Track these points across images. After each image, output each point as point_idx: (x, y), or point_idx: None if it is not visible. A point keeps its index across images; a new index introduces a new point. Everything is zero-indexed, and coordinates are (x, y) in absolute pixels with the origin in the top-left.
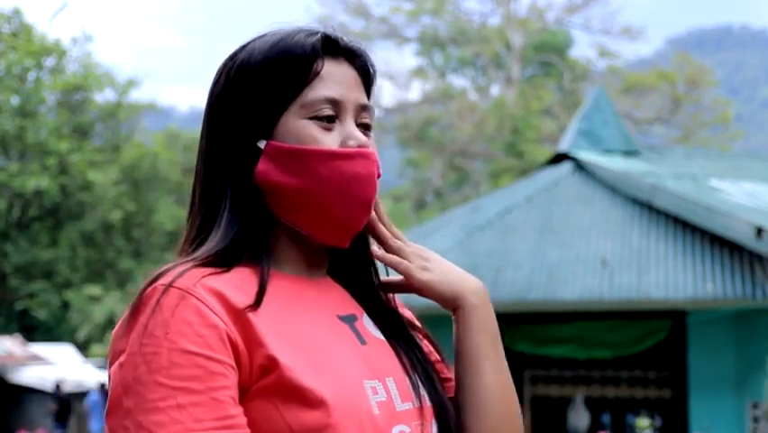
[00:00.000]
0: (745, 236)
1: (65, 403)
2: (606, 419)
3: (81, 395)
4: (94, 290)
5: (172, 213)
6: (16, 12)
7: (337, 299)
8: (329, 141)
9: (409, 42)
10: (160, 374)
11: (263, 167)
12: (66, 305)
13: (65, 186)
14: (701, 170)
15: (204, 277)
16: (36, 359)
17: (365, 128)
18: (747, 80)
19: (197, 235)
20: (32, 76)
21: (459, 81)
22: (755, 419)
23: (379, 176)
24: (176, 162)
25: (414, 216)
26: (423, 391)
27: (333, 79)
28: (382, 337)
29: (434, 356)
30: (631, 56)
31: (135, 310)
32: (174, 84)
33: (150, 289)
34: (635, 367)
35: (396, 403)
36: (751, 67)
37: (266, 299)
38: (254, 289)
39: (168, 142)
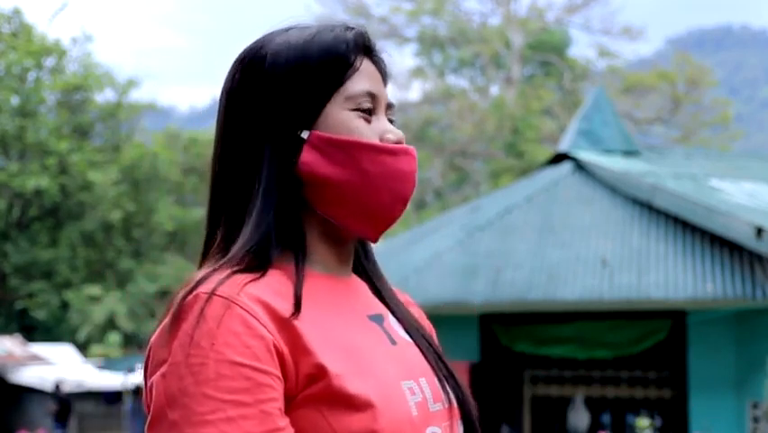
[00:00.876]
0: (744, 236)
1: (65, 403)
2: (606, 419)
3: (81, 395)
4: (94, 290)
5: (172, 213)
6: (16, 12)
7: (365, 299)
8: (371, 132)
9: (409, 42)
10: (207, 386)
11: (308, 158)
12: (66, 305)
13: (65, 186)
14: (701, 170)
15: (246, 284)
16: (36, 359)
17: (391, 123)
18: (747, 80)
19: (228, 234)
20: (32, 76)
21: (458, 81)
22: (755, 419)
23: None
24: (176, 162)
25: (414, 216)
26: (449, 391)
27: (369, 75)
28: (408, 338)
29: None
30: (631, 56)
31: (177, 319)
32: (174, 84)
33: (191, 297)
34: (635, 367)
35: (429, 404)
36: (751, 67)
37: (305, 303)
38: (290, 292)
39: (168, 142)
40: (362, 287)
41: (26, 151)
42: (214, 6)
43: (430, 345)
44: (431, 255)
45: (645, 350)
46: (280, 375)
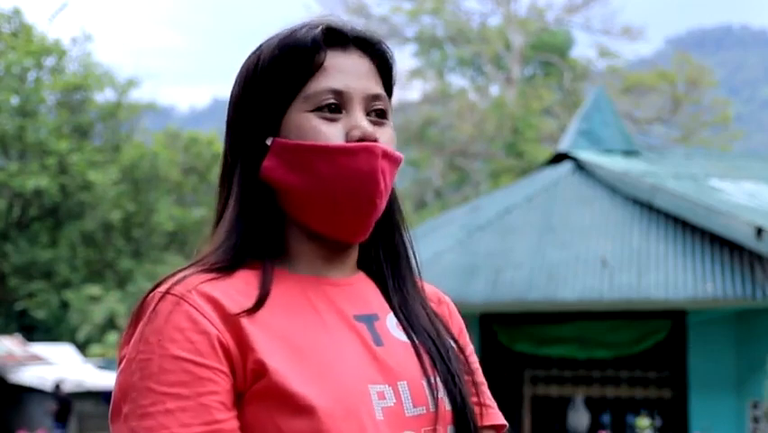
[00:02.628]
0: (744, 236)
1: (65, 403)
2: (606, 419)
3: (81, 395)
4: (93, 289)
5: (172, 213)
6: (16, 12)
7: (359, 298)
8: (333, 132)
9: (410, 42)
10: (151, 380)
11: (269, 164)
12: (65, 305)
13: (65, 186)
14: (701, 170)
15: (202, 283)
16: (36, 359)
17: (379, 116)
18: (747, 80)
19: (211, 235)
20: (31, 76)
21: (458, 81)
22: (755, 419)
23: (396, 159)
24: (175, 162)
25: (414, 216)
26: (442, 394)
27: (338, 70)
28: (404, 338)
29: (472, 360)
30: (631, 56)
31: (136, 317)
32: (174, 84)
33: (150, 296)
34: (635, 367)
35: (406, 408)
36: (751, 67)
37: (269, 302)
38: (255, 293)
39: (167, 141)
40: (364, 287)
41: (26, 150)
42: (214, 6)
43: (436, 345)
44: (431, 255)
45: (645, 350)
46: (226, 370)
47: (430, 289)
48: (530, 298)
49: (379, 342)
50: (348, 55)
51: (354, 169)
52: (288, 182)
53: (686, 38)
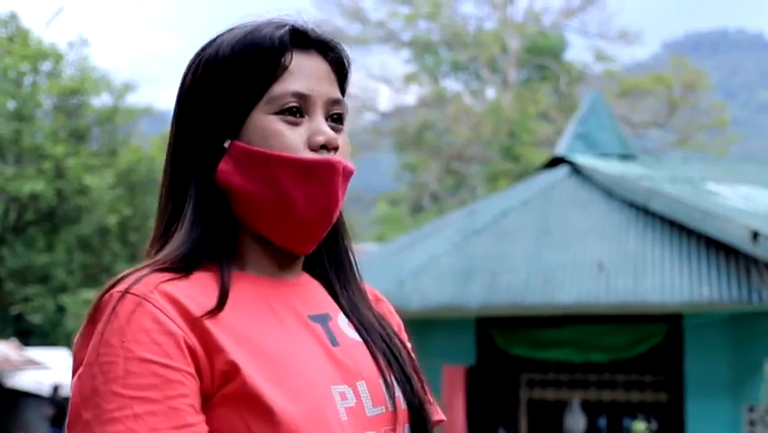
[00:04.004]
0: (740, 240)
1: (62, 408)
2: (602, 422)
3: None
4: (90, 294)
5: None
6: (13, 16)
7: (311, 299)
8: (295, 136)
9: (406, 47)
10: (116, 384)
11: (225, 167)
12: (62, 309)
13: (61, 190)
14: (698, 173)
15: (161, 283)
16: (32, 363)
17: (337, 121)
18: (744, 84)
19: (163, 236)
20: (28, 80)
21: (454, 85)
22: (751, 423)
23: (350, 172)
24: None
25: (411, 220)
26: (398, 394)
27: (302, 73)
28: (358, 338)
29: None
30: (627, 60)
31: (92, 319)
32: (171, 88)
33: (106, 296)
34: (631, 371)
35: (366, 408)
36: (747, 70)
37: (228, 304)
38: (214, 294)
39: (165, 146)
40: (312, 287)
41: (22, 155)
42: (212, 10)
43: (387, 344)
44: (427, 259)
45: (642, 354)
46: (193, 372)
47: (368, 288)
48: (527, 301)
49: (334, 342)
50: (310, 57)
51: (315, 183)
52: (244, 188)
53: (682, 41)
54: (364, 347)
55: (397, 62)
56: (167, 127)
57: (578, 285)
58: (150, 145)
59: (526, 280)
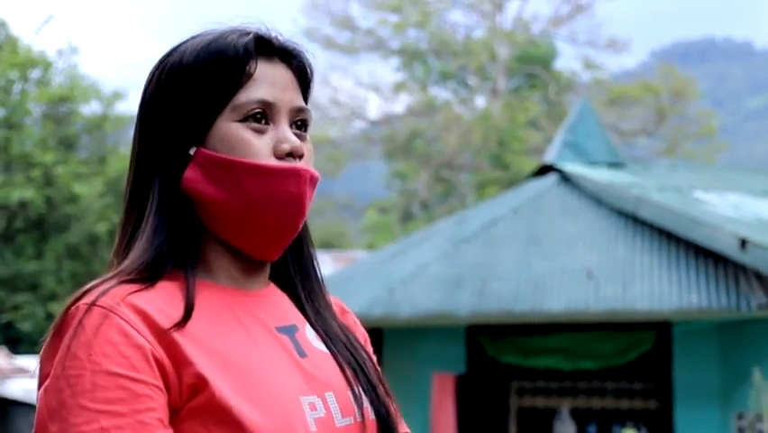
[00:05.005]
0: (729, 248)
1: None
2: (592, 430)
3: None
4: None
5: None
6: (1, 24)
7: (277, 310)
8: (261, 144)
9: (395, 55)
10: (83, 397)
11: (191, 175)
12: (51, 317)
13: (50, 198)
14: (686, 181)
15: (128, 294)
16: (21, 372)
17: (301, 129)
18: (731, 92)
19: (127, 244)
20: (17, 88)
21: (444, 94)
22: (740, 430)
23: (316, 180)
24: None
25: (400, 228)
26: (366, 404)
27: (267, 81)
28: (325, 349)
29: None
30: (616, 68)
31: (58, 331)
32: None
33: (73, 308)
34: (620, 378)
35: (336, 419)
36: (735, 78)
37: (194, 315)
38: (181, 305)
39: None
40: (278, 298)
41: (11, 163)
42: (202, 18)
43: (353, 355)
44: (417, 267)
45: (631, 361)
46: (161, 385)
47: (333, 300)
48: (516, 309)
49: (302, 353)
50: (274, 65)
51: (282, 192)
52: (210, 196)
53: (670, 50)
54: (331, 358)
55: (387, 70)
56: None
57: (567, 293)
58: None
59: (516, 288)
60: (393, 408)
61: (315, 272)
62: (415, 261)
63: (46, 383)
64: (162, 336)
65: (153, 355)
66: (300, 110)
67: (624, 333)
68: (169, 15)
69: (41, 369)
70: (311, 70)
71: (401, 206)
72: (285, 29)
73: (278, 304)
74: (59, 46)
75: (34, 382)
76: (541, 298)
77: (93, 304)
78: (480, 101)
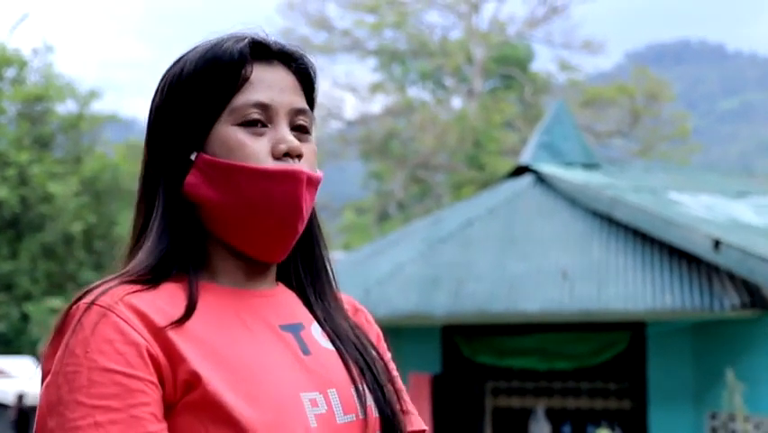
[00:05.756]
0: (702, 249)
1: (25, 416)
2: (567, 430)
3: None
4: (55, 302)
5: None
6: None
7: (284, 309)
8: (259, 147)
9: (372, 55)
10: (80, 393)
11: (192, 179)
12: (26, 317)
13: (25, 197)
14: (660, 182)
15: (127, 294)
16: None
17: (302, 130)
18: (705, 94)
19: (133, 247)
20: None
21: (420, 94)
22: (713, 430)
23: (317, 180)
24: (137, 174)
25: (377, 228)
26: (370, 402)
27: (264, 84)
28: (330, 347)
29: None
30: (591, 69)
31: (59, 330)
32: (138, 96)
33: (73, 307)
34: (595, 378)
35: (337, 415)
36: (708, 81)
37: (196, 314)
38: (182, 305)
39: (129, 153)
40: (286, 298)
41: None
42: (179, 18)
43: (361, 353)
44: (393, 267)
45: (605, 361)
46: (156, 381)
47: (346, 298)
48: (491, 309)
49: (306, 351)
50: (272, 69)
51: (277, 194)
52: (211, 199)
53: (645, 52)
54: (337, 356)
55: (363, 71)
56: (132, 135)
57: (542, 293)
58: (115, 153)
59: (491, 289)
60: (402, 406)
61: (327, 273)
62: (391, 261)
63: (47, 380)
64: (158, 334)
65: (149, 352)
66: (300, 111)
67: (598, 333)
68: (145, 15)
69: (43, 366)
70: (314, 72)
71: (378, 206)
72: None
73: (285, 304)
74: (35, 45)
75: (8, 383)
76: (516, 298)
77: (92, 303)
78: (457, 102)
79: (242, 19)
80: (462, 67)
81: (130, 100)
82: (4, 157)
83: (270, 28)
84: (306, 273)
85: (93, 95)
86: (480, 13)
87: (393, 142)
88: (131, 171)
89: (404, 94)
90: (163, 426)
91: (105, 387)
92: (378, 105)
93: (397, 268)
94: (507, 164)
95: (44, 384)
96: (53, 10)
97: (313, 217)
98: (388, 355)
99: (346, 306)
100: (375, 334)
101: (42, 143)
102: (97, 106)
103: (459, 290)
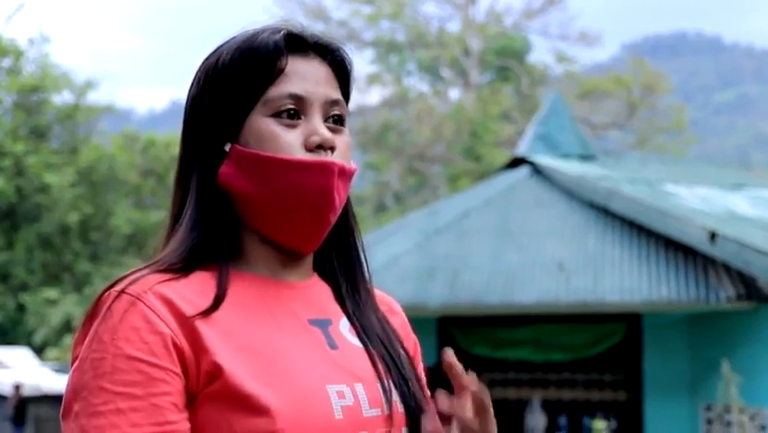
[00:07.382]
0: (698, 240)
1: (22, 407)
2: (562, 421)
3: (38, 399)
4: (50, 293)
5: (130, 216)
6: None
7: (314, 302)
8: (292, 138)
9: (369, 47)
10: (104, 379)
11: (226, 170)
12: (22, 308)
13: (21, 188)
14: (656, 174)
15: (158, 283)
16: None
17: (336, 122)
18: (701, 86)
19: (168, 236)
20: None
21: (417, 85)
22: (708, 421)
23: (350, 172)
24: (133, 165)
25: (373, 220)
26: (395, 398)
27: (298, 76)
28: (358, 343)
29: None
30: (588, 61)
31: (89, 316)
32: (133, 85)
33: (104, 295)
34: (591, 370)
35: (363, 409)
36: (705, 73)
37: (225, 304)
38: (212, 294)
39: (125, 144)
40: (318, 291)
41: None
42: (175, 8)
43: (387, 350)
44: (389, 258)
45: (601, 353)
46: (179, 371)
47: (381, 295)
48: (487, 301)
49: (333, 345)
50: (308, 61)
51: (310, 185)
52: (244, 190)
53: (641, 44)
54: (364, 352)
55: (360, 62)
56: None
57: (538, 285)
58: (111, 143)
59: (487, 280)
60: (427, 403)
61: (360, 264)
62: (387, 252)
63: (74, 365)
64: (185, 323)
65: (174, 342)
66: (334, 103)
67: (594, 325)
68: (140, 5)
69: (72, 352)
70: (350, 64)
71: (374, 197)
72: (258, 19)
73: (316, 296)
74: (31, 35)
75: (5, 373)
76: (512, 289)
77: (122, 291)
78: (454, 93)
79: (237, 10)
80: (459, 58)
81: (125, 90)
82: (0, 147)
83: (268, 18)
84: (340, 264)
85: (89, 85)
86: (477, 4)
87: (390, 134)
88: (126, 162)
89: (401, 85)
90: (184, 416)
91: (128, 374)
92: (375, 96)
93: (393, 259)
94: (504, 156)
95: (72, 369)
96: (49, 0)
97: (348, 208)
98: (421, 367)
99: (382, 304)
100: (412, 342)
101: (38, 134)
102: (93, 97)
103: (455, 281)
